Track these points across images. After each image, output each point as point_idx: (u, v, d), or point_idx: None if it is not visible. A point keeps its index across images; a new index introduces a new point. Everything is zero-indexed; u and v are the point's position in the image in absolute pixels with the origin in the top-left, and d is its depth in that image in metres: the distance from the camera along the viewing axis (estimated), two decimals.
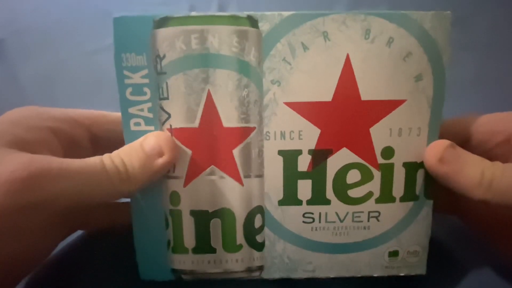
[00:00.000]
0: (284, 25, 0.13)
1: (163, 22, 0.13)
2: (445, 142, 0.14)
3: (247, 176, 0.14)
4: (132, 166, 0.13)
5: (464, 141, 0.15)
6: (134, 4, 0.33)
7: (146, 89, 0.13)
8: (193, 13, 0.13)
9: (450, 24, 0.13)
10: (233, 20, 0.13)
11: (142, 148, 0.13)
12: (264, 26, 0.13)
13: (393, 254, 0.15)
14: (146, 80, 0.13)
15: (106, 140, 0.15)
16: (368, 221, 0.15)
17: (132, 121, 0.14)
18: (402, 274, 0.16)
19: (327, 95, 0.14)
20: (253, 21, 0.13)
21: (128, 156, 0.13)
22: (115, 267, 0.17)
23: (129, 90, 0.13)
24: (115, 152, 0.13)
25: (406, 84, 0.14)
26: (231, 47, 0.13)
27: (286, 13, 0.13)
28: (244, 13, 0.13)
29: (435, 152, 0.13)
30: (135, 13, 0.13)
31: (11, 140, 0.12)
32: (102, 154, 0.15)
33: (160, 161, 0.13)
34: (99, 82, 0.29)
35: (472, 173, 0.12)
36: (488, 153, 0.14)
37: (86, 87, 0.31)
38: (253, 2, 0.32)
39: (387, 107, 0.14)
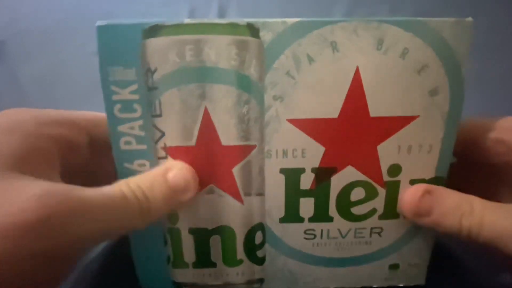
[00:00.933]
0: (289, 34, 0.12)
1: (154, 31, 0.12)
2: (418, 190, 0.13)
3: (248, 194, 0.14)
4: (155, 199, 0.12)
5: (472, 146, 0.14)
6: (135, 4, 0.32)
7: (136, 106, 0.12)
8: (187, 21, 0.12)
9: (471, 32, 0.12)
10: (232, 28, 0.12)
11: (166, 182, 0.12)
12: (266, 36, 0.12)
13: (394, 267, 0.15)
14: (136, 96, 0.12)
15: (104, 143, 0.14)
16: (370, 236, 0.15)
17: (122, 140, 0.13)
18: (401, 285, 0.16)
19: (333, 112, 0.13)
20: (253, 30, 0.12)
21: (150, 188, 0.12)
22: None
23: (118, 107, 0.12)
24: (135, 182, 0.12)
25: (420, 100, 0.13)
26: (229, 60, 0.12)
27: (290, 21, 0.12)
28: (244, 21, 0.12)
29: (411, 206, 0.13)
30: (130, 16, 0.12)
31: (9, 154, 0.10)
32: (98, 158, 0.14)
33: (185, 197, 0.13)
34: (100, 83, 0.29)
35: (450, 224, 0.12)
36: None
37: (87, 89, 0.30)
38: (254, 1, 0.30)
39: (397, 123, 0.13)
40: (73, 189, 0.10)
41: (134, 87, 0.12)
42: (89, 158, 0.14)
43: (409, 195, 0.13)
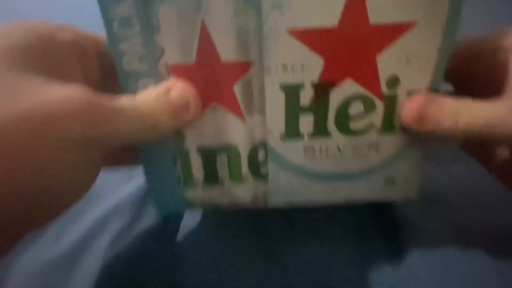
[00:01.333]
0: None
1: None
2: (421, 98, 0.14)
3: (249, 112, 0.14)
4: (162, 115, 0.13)
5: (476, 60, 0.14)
6: None
7: (135, 22, 0.12)
8: None
9: None
10: None
11: (170, 100, 0.13)
12: None
13: (389, 180, 0.16)
14: (133, 11, 0.12)
15: (108, 64, 0.14)
16: (368, 151, 0.15)
17: (124, 59, 0.13)
18: (396, 198, 0.17)
19: (333, 19, 0.12)
20: None
21: (157, 105, 0.13)
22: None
23: (116, 24, 0.12)
24: (142, 98, 0.13)
25: (420, 3, 0.12)
26: None
27: None
28: None
29: (413, 113, 0.14)
30: None
31: (41, 62, 0.11)
32: (104, 78, 0.14)
33: (187, 117, 0.13)
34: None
35: (449, 124, 0.13)
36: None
37: None
38: None
39: (397, 31, 0.13)
40: (101, 95, 0.11)
41: (130, 1, 0.12)
42: (99, 75, 0.14)
43: (412, 103, 0.14)
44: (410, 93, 0.14)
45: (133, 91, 0.13)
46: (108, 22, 0.12)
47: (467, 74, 0.15)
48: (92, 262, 0.16)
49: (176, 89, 0.13)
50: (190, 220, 0.18)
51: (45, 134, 0.10)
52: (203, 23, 0.12)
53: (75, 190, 0.12)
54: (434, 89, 0.14)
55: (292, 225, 0.18)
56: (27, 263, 0.16)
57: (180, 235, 0.18)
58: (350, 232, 0.17)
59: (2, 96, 0.09)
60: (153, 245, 0.17)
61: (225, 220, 0.18)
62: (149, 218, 0.19)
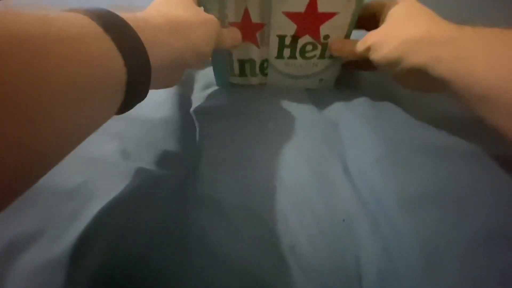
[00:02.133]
0: None
1: None
2: (339, 41, 0.31)
3: (262, 45, 0.32)
4: (228, 40, 0.29)
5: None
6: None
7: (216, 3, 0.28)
8: None
9: None
10: None
11: (234, 34, 0.29)
12: None
13: (321, 80, 0.37)
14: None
15: None
16: (312, 66, 0.35)
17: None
18: (322, 88, 0.38)
19: (302, 8, 0.29)
20: None
21: (229, 34, 0.29)
22: None
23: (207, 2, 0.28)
24: (224, 31, 0.28)
25: (342, 4, 0.28)
26: None
27: None
28: None
29: (335, 47, 0.31)
30: None
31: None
32: None
33: (236, 44, 0.30)
34: None
35: (359, 50, 0.29)
36: None
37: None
38: None
39: (329, 15, 0.29)
40: None
41: None
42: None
43: (336, 43, 0.31)
44: (335, 39, 0.32)
45: None
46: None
47: (367, 21, 0.31)
48: (92, 261, 0.16)
49: (234, 31, 0.31)
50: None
51: (210, 32, 0.26)
52: (246, 7, 0.29)
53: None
54: (346, 36, 0.32)
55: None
56: (27, 263, 0.16)
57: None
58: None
59: (198, 11, 0.26)
60: (153, 245, 0.18)
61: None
62: (149, 217, 0.19)
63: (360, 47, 0.29)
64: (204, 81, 0.38)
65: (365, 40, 0.29)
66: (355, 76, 0.38)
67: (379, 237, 0.20)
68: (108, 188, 0.20)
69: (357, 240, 0.20)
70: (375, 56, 0.27)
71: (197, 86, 0.38)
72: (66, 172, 0.21)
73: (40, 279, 0.15)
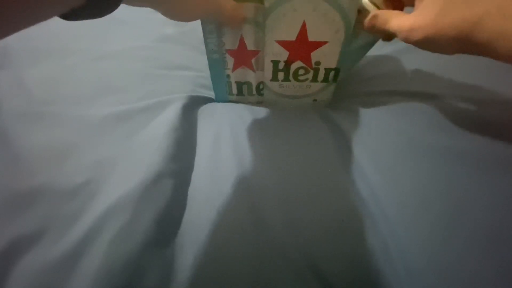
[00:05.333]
0: None
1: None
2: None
3: (257, 69, 0.35)
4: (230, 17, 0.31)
5: None
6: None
7: (216, 37, 0.31)
8: None
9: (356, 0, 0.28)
10: None
11: (236, 11, 0.31)
12: None
13: (314, 100, 0.38)
14: (216, 33, 0.31)
15: None
16: (305, 88, 0.37)
17: (209, 48, 0.32)
18: (316, 106, 0.39)
19: (293, 37, 0.31)
20: None
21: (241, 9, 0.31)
22: None
23: (209, 39, 0.31)
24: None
25: (330, 33, 0.30)
26: None
27: None
28: None
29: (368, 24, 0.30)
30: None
31: None
32: None
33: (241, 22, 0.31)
34: (104, 87, 0.33)
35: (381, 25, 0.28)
36: None
37: (91, 92, 0.32)
38: None
39: (320, 44, 0.31)
40: None
41: (215, 34, 0.30)
42: None
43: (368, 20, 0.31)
44: (325, 69, 0.34)
45: (216, 59, 0.34)
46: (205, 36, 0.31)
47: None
48: (92, 262, 0.16)
49: (239, 9, 0.33)
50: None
51: None
52: (241, 36, 0.31)
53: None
54: (337, 68, 0.33)
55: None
56: (27, 263, 0.16)
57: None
58: None
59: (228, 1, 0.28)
60: (153, 244, 0.18)
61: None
62: (148, 217, 0.19)
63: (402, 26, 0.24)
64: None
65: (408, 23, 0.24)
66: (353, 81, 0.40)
67: (379, 237, 0.20)
68: (109, 188, 0.20)
69: (356, 240, 0.20)
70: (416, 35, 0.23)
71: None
72: (68, 173, 0.21)
73: (41, 280, 0.15)
